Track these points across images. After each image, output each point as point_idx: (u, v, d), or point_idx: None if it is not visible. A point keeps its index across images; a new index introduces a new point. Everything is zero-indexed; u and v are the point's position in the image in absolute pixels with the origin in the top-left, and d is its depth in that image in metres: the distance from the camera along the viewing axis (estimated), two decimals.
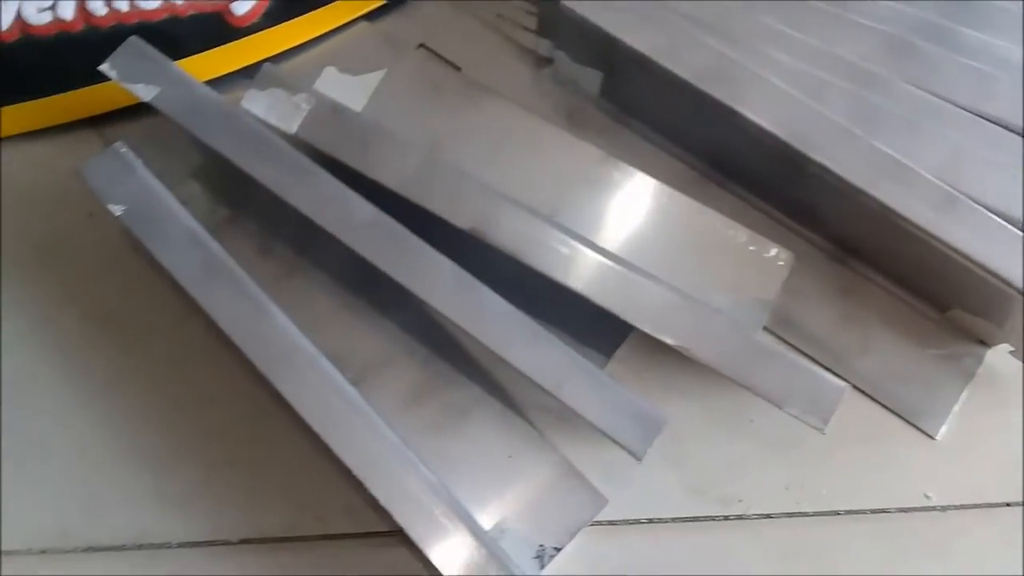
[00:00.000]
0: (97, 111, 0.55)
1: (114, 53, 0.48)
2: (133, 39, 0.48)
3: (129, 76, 0.48)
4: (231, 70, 0.56)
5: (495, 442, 0.49)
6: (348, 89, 0.56)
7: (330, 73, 0.56)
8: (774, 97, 0.49)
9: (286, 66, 0.57)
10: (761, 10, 0.52)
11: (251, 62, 0.56)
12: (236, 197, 0.53)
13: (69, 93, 0.55)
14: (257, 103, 0.48)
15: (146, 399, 0.50)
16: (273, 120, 0.48)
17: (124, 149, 0.46)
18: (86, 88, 0.55)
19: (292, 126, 0.48)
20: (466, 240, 0.46)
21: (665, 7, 0.50)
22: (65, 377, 0.51)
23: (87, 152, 0.54)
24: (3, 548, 0.47)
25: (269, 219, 0.53)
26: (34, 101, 0.55)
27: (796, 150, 0.48)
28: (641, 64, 0.50)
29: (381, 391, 0.49)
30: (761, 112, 0.48)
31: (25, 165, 0.55)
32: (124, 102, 0.55)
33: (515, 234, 0.45)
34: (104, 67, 0.48)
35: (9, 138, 0.55)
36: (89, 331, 0.52)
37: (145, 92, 0.47)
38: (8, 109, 0.54)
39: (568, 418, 0.48)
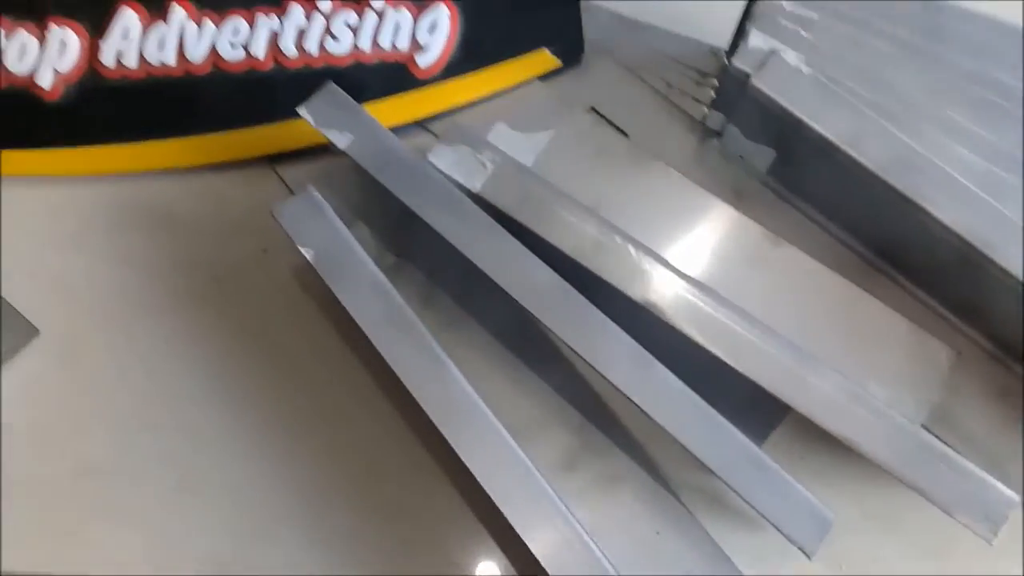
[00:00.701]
0: (278, 149, 0.57)
1: (311, 98, 0.50)
2: (330, 85, 0.50)
3: (324, 121, 0.49)
4: (409, 119, 0.58)
5: (644, 517, 0.49)
6: (517, 145, 0.57)
7: (501, 128, 0.57)
8: (957, 193, 0.48)
9: (458, 118, 0.59)
10: (946, 104, 0.52)
11: (428, 113, 0.58)
12: (402, 244, 0.54)
13: (253, 129, 0.57)
14: (443, 158, 0.49)
15: (304, 440, 0.51)
16: (457, 175, 0.49)
17: (315, 193, 0.48)
18: (270, 125, 0.57)
19: (475, 183, 0.49)
20: (632, 309, 0.46)
21: (851, 94, 0.50)
22: (227, 410, 0.52)
23: (263, 187, 0.56)
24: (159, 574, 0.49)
25: (433, 268, 0.54)
26: (219, 134, 0.57)
27: (976, 249, 0.47)
28: (822, 148, 0.50)
29: (534, 453, 0.49)
30: (943, 208, 0.48)
31: (204, 196, 0.57)
32: (305, 142, 0.57)
33: (689, 312, 0.45)
34: (301, 110, 0.49)
35: (192, 168, 0.57)
36: (255, 366, 0.53)
37: (339, 139, 0.49)
38: (194, 140, 0.56)
39: (719, 500, 0.48)
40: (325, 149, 0.55)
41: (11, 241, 0.56)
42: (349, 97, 0.50)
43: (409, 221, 0.49)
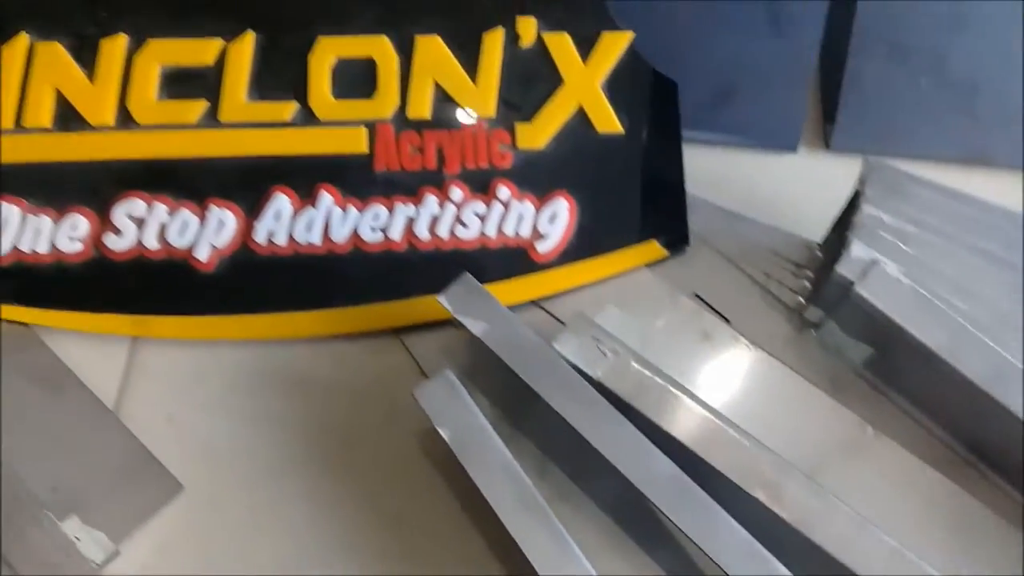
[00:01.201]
0: (406, 322, 0.62)
1: (450, 287, 0.55)
2: (466, 276, 0.55)
3: (461, 309, 0.54)
4: (526, 299, 0.63)
5: None
6: (626, 328, 0.61)
7: (611, 312, 0.62)
8: None
9: (570, 299, 0.64)
10: None
11: (544, 294, 0.63)
12: (520, 417, 0.58)
13: (385, 304, 0.62)
14: (568, 345, 0.54)
15: None
16: (580, 363, 0.53)
17: (452, 376, 0.52)
18: (400, 301, 0.62)
19: (597, 371, 0.53)
20: (744, 497, 0.49)
21: (947, 305, 0.54)
22: (355, 565, 0.56)
23: (390, 356, 0.61)
24: None
25: (548, 443, 0.58)
26: (355, 308, 0.62)
27: None
28: (920, 354, 0.54)
29: None
30: None
31: (337, 363, 0.62)
32: (430, 317, 0.62)
33: (801, 507, 0.49)
34: (440, 298, 0.55)
35: (327, 337, 0.62)
36: (379, 523, 0.57)
37: (474, 325, 0.54)
38: (332, 312, 0.62)
39: None
40: (447, 323, 0.60)
41: (159, 400, 0.61)
42: (482, 287, 0.55)
43: (529, 399, 0.53)
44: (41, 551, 0.52)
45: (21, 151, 0.63)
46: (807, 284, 0.64)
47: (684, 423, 0.52)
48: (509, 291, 0.62)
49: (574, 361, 0.54)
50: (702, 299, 0.64)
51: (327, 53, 0.63)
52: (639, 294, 0.64)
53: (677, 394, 0.52)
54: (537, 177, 0.63)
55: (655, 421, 0.52)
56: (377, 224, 0.63)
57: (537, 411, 0.53)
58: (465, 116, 0.63)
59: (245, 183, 0.63)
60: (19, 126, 0.63)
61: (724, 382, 0.60)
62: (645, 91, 0.64)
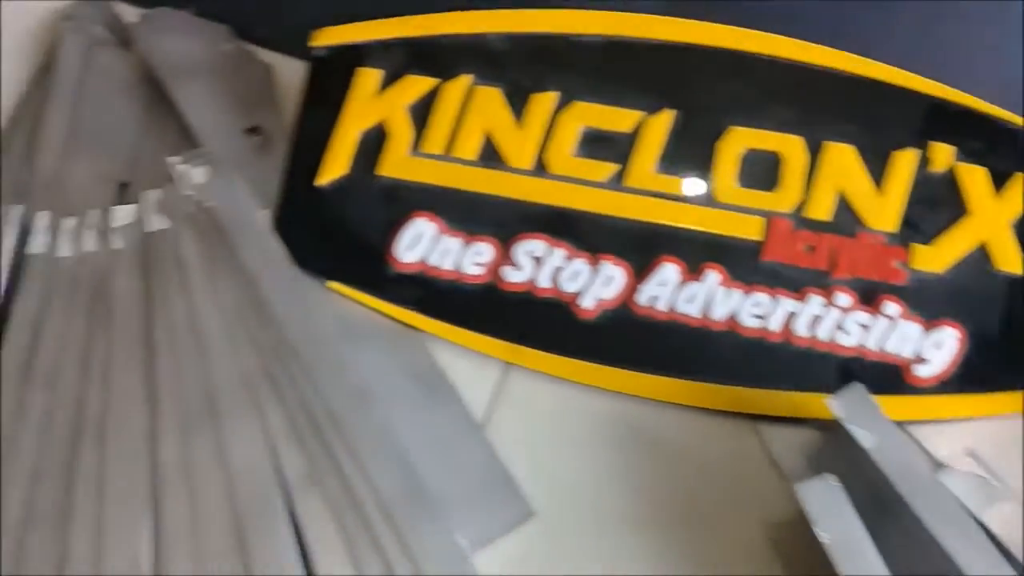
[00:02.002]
0: (764, 411, 0.64)
1: (842, 393, 0.56)
2: (858, 386, 0.56)
3: (851, 417, 0.55)
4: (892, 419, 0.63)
5: None
6: (992, 470, 0.60)
7: (978, 453, 0.61)
8: None
9: (935, 429, 0.63)
10: None
11: (910, 417, 0.63)
12: (881, 536, 0.58)
13: (748, 388, 0.64)
14: (957, 484, 0.54)
15: None
16: (968, 502, 0.53)
17: (836, 484, 0.54)
18: (764, 389, 0.64)
19: (983, 514, 0.53)
20: None
21: None
22: None
23: (741, 439, 0.63)
24: None
25: (911, 568, 0.57)
26: (717, 385, 0.64)
27: None
28: None
29: None
30: None
31: (689, 433, 0.65)
32: (791, 412, 0.63)
33: None
34: (830, 402, 0.56)
35: (685, 407, 0.65)
36: None
37: (864, 438, 0.55)
38: (694, 384, 0.65)
39: None
40: (806, 421, 0.61)
41: (521, 426, 0.66)
42: (875, 401, 0.56)
43: (897, 521, 0.53)
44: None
45: (445, 176, 0.70)
46: None
47: None
48: None
49: (963, 499, 0.54)
50: None
51: (738, 143, 0.67)
52: (1000, 441, 0.62)
53: None
54: (928, 301, 0.64)
55: None
56: (757, 311, 0.65)
57: (904, 536, 0.53)
58: (864, 226, 0.65)
59: (638, 246, 0.67)
60: (447, 154, 0.70)
61: None
62: None
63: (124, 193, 0.76)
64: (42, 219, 0.65)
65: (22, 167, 0.77)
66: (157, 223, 0.64)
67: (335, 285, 0.70)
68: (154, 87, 0.80)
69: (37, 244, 0.64)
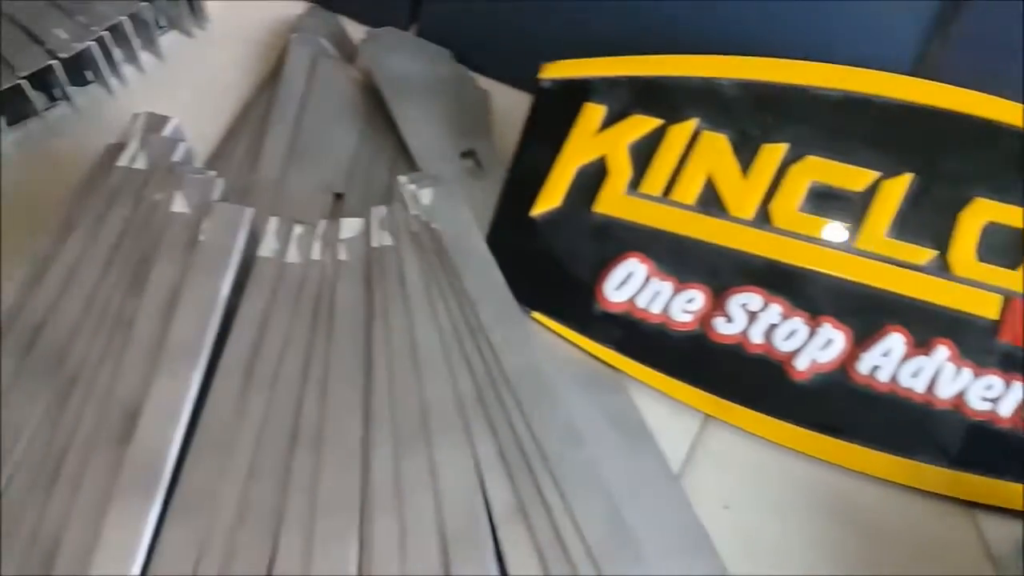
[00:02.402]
0: (984, 500, 0.61)
1: None
2: None
3: None
4: None
5: None
6: None
7: None
8: None
9: None
10: None
11: None
12: None
13: (967, 474, 0.60)
14: None
15: None
16: None
17: None
18: (986, 477, 0.60)
19: None
20: None
21: None
22: None
23: (955, 527, 0.60)
24: None
25: None
26: (934, 467, 0.61)
27: None
28: None
29: None
30: None
31: (898, 510, 0.62)
32: (1013, 504, 0.59)
33: None
34: None
35: (894, 485, 0.62)
36: None
37: None
38: (908, 463, 0.62)
39: None
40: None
41: (718, 483, 0.64)
42: None
43: None
44: None
45: (662, 219, 0.69)
46: None
47: None
48: None
49: None
50: None
51: (981, 214, 0.64)
52: None
53: None
54: None
55: None
56: (988, 394, 0.61)
57: None
58: None
59: (863, 312, 0.64)
60: (665, 196, 0.69)
61: None
62: None
63: (338, 205, 0.78)
64: (272, 224, 0.67)
65: (241, 173, 0.80)
66: (382, 239, 0.66)
67: (539, 317, 0.70)
68: (373, 103, 0.83)
69: (267, 248, 0.66)
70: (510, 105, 0.82)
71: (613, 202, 0.70)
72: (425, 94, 0.81)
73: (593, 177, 0.71)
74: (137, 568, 0.55)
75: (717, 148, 0.69)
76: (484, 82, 0.85)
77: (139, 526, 0.56)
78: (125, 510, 0.56)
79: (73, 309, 0.64)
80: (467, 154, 0.79)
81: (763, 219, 0.67)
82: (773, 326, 0.66)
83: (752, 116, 0.69)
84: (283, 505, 0.57)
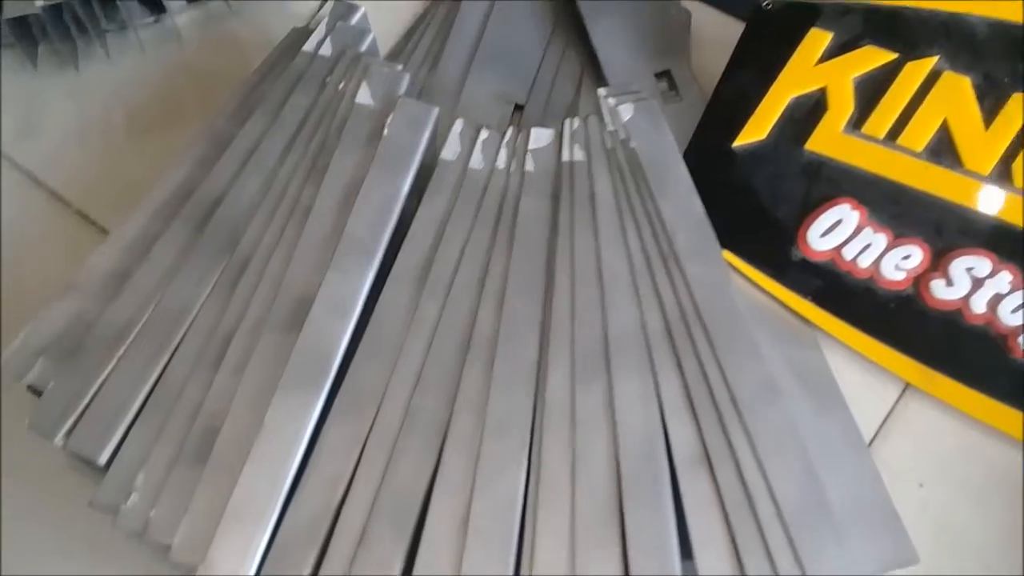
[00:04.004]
0: None
1: None
2: None
3: None
4: None
5: None
6: None
7: None
8: None
9: None
10: None
11: None
12: None
13: None
14: None
15: None
16: None
17: None
18: None
19: None
20: None
21: None
22: None
23: None
24: None
25: None
26: None
27: None
28: None
29: None
30: None
31: None
32: None
33: None
34: None
35: None
36: None
37: None
38: None
39: None
40: None
41: (913, 459, 0.59)
42: None
43: None
44: None
45: (883, 164, 0.62)
46: None
47: None
48: None
49: None
50: None
51: None
52: None
53: None
54: None
55: None
56: None
57: None
58: None
59: None
60: (890, 140, 0.62)
61: None
62: None
63: (516, 117, 0.74)
64: (457, 126, 0.63)
65: (419, 73, 0.77)
66: (573, 153, 0.61)
67: (729, 256, 0.64)
68: (565, 12, 0.77)
69: (450, 151, 0.62)
70: (712, 29, 0.75)
71: (829, 140, 0.63)
72: (623, 9, 0.75)
73: (808, 111, 0.64)
74: (296, 461, 0.53)
75: (958, 92, 0.61)
76: (687, 3, 0.79)
77: (302, 419, 0.54)
78: (289, 401, 0.54)
79: (250, 191, 0.62)
80: (661, 75, 0.73)
81: (1002, 176, 0.60)
82: (999, 296, 0.58)
83: (1003, 60, 0.61)
84: (449, 419, 0.54)
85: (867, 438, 0.59)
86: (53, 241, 0.70)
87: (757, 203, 0.64)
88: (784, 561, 0.48)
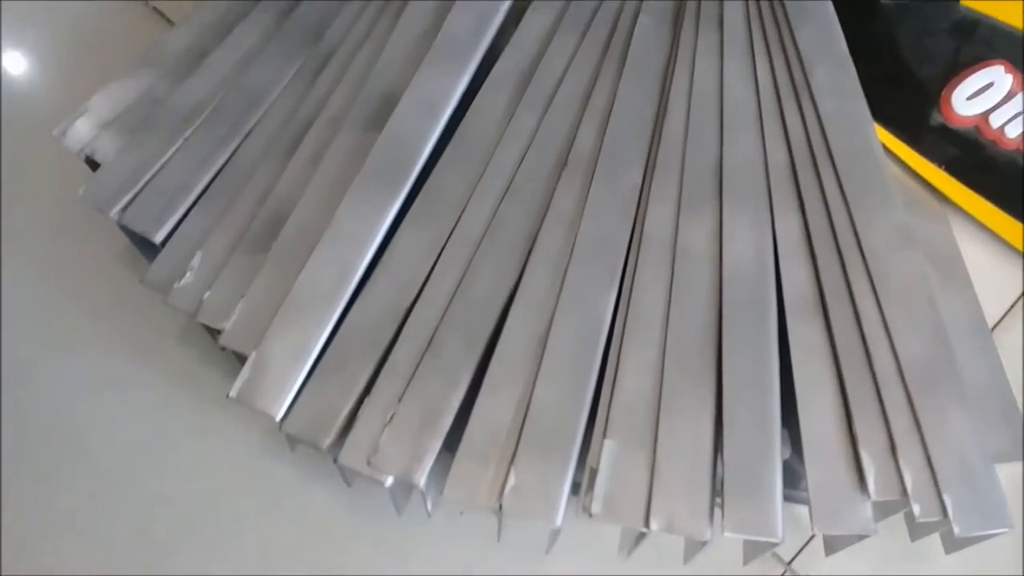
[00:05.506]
0: None
1: None
2: None
3: None
4: None
5: None
6: None
7: None
8: None
9: None
10: None
11: None
12: None
13: None
14: None
15: None
16: None
17: None
18: None
19: None
20: None
21: None
22: None
23: None
24: None
25: None
26: None
27: None
28: None
29: None
30: None
31: None
32: None
33: None
34: None
35: None
36: None
37: None
38: None
39: None
40: None
41: None
42: None
43: None
44: None
45: None
46: None
47: None
48: None
49: None
50: None
51: None
52: None
53: None
54: None
55: None
56: None
57: None
58: None
59: None
60: None
61: None
62: None
63: None
64: None
65: None
66: None
67: None
68: None
69: None
70: None
71: None
72: None
73: None
74: (366, 257, 0.48)
75: None
76: None
77: (378, 216, 0.49)
78: (365, 196, 0.49)
79: None
80: None
81: None
82: None
83: None
84: (537, 234, 0.49)
85: (991, 322, 0.52)
86: (129, 35, 0.66)
87: (900, 59, 0.57)
88: (900, 423, 0.43)
